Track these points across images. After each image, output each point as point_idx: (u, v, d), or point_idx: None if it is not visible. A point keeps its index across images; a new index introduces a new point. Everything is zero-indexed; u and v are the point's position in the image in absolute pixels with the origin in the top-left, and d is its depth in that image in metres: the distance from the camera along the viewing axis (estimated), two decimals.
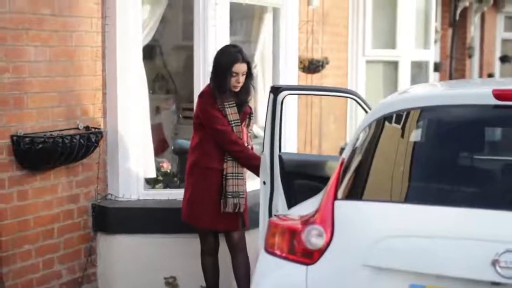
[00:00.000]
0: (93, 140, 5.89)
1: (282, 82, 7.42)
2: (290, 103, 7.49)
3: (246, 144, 5.64)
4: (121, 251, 6.23)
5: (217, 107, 5.55)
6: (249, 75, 5.67)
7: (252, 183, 5.87)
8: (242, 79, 5.59)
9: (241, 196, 5.58)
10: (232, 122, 5.58)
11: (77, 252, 6.12)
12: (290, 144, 7.53)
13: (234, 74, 5.54)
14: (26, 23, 5.46)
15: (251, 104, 5.92)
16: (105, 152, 6.26)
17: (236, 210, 5.56)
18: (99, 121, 6.16)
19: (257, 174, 5.29)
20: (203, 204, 5.62)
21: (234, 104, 5.60)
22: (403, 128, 3.69)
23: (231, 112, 5.58)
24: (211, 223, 5.68)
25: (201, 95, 5.70)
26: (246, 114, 5.73)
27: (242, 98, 5.67)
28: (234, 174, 5.57)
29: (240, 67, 5.56)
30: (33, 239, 5.70)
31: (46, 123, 5.68)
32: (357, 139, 3.72)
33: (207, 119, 5.57)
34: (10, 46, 5.37)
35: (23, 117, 5.50)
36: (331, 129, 9.27)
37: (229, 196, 5.56)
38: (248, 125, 5.75)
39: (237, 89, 5.60)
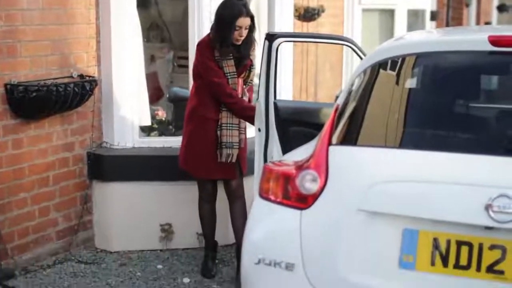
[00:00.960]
0: (88, 88, 5.87)
1: (276, 29, 7.37)
2: (286, 51, 7.45)
3: (241, 96, 5.61)
4: (117, 199, 6.25)
5: (214, 59, 5.50)
6: (252, 28, 5.57)
7: (249, 130, 5.86)
8: (245, 33, 5.49)
9: (234, 146, 5.58)
10: (228, 74, 5.53)
11: (72, 200, 6.15)
12: (286, 92, 7.50)
13: (237, 28, 5.44)
14: None
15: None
16: (99, 100, 6.25)
17: (229, 161, 5.58)
18: (93, 70, 6.14)
19: (253, 123, 5.29)
20: (199, 153, 5.63)
21: (232, 57, 5.53)
22: (398, 74, 3.67)
23: (228, 65, 5.52)
24: (207, 172, 5.70)
25: (199, 44, 5.64)
26: (246, 67, 5.66)
27: (243, 51, 5.59)
28: (228, 125, 5.56)
29: (244, 21, 5.45)
30: (29, 187, 5.72)
31: (40, 72, 5.67)
32: (352, 85, 3.71)
33: (204, 70, 5.54)
34: None
35: (17, 65, 5.49)
36: (327, 77, 9.24)
37: (223, 146, 5.57)
38: (247, 77, 5.70)
39: (239, 43, 5.52)
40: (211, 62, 5.51)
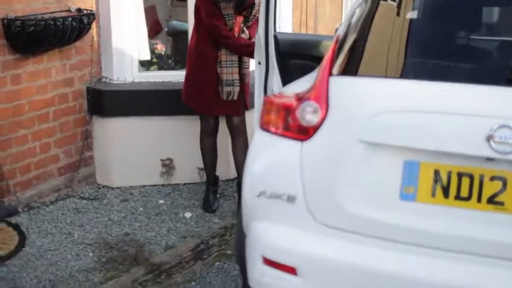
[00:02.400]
0: (86, 22, 5.82)
1: None
2: None
3: (238, 35, 5.63)
4: (117, 134, 6.25)
5: (212, 0, 5.51)
6: None
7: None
8: None
9: (235, 84, 5.59)
10: (226, 16, 5.54)
11: (73, 135, 6.15)
12: (285, 25, 7.44)
13: None
14: None
15: None
16: (98, 34, 6.20)
17: (230, 98, 5.55)
18: (91, 3, 6.08)
19: (253, 58, 5.26)
20: (201, 90, 5.64)
21: None
22: (399, 4, 3.62)
23: (226, 6, 5.53)
24: (208, 108, 5.69)
25: None
26: (248, 6, 5.66)
27: None
28: (228, 62, 5.56)
29: None
30: (29, 124, 5.72)
31: (37, 6, 5.61)
32: (353, 16, 3.65)
33: (202, 11, 5.54)
34: None
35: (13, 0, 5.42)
36: (327, 10, 9.14)
37: (224, 84, 5.56)
38: (249, 14, 5.68)
39: None
40: (209, 3, 5.51)
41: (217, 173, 6.02)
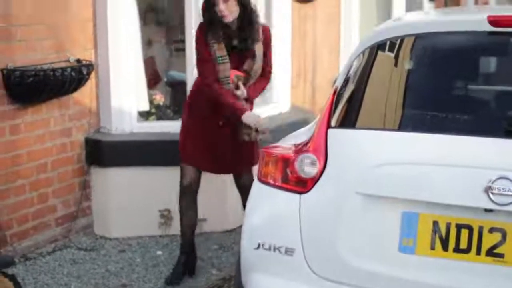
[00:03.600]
0: (84, 72, 5.85)
1: (274, 12, 7.35)
2: (284, 35, 7.44)
3: (235, 86, 5.08)
4: (115, 185, 6.23)
5: (205, 42, 5.06)
6: (244, 5, 5.02)
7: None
8: (224, 6, 4.91)
9: None
10: (218, 59, 5.03)
11: (71, 186, 6.13)
12: (285, 77, 7.48)
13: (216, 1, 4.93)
14: None
15: None
16: (96, 85, 6.22)
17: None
18: (90, 54, 6.11)
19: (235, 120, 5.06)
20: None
21: (222, 39, 5.04)
22: (396, 56, 3.65)
23: (218, 48, 5.04)
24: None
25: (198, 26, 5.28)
26: (249, 55, 5.12)
27: (239, 34, 5.08)
28: None
29: None
30: (27, 174, 5.70)
31: (37, 56, 5.63)
32: (350, 67, 3.68)
33: (196, 54, 5.22)
34: None
35: (13, 50, 5.44)
36: (325, 60, 9.19)
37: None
38: (249, 69, 5.15)
39: (227, 19, 4.96)
40: (200, 45, 5.10)
41: (214, 223, 5.96)
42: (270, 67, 5.32)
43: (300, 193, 3.29)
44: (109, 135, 6.26)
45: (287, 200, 3.32)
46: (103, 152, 6.16)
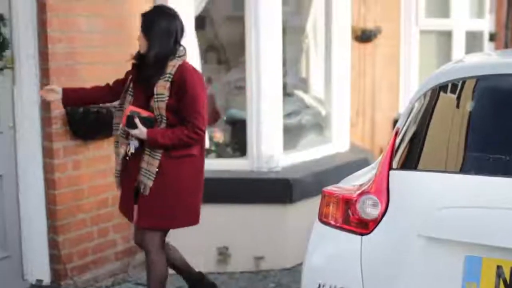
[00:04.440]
0: None
1: (334, 52, 7.37)
2: (343, 73, 7.45)
3: (122, 125, 4.64)
4: None
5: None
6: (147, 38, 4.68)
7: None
8: (138, 36, 4.73)
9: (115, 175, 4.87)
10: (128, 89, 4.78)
11: None
12: (343, 116, 7.48)
13: None
14: None
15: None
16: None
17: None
18: None
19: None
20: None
21: (133, 69, 4.80)
22: (458, 98, 3.63)
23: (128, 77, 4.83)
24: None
25: None
26: (151, 88, 4.61)
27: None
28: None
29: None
30: (88, 208, 5.78)
31: None
32: (412, 109, 3.67)
33: None
34: (62, 16, 5.42)
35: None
36: (384, 97, 9.18)
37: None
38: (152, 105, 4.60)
39: (140, 50, 4.73)
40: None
41: (272, 261, 5.94)
42: (191, 116, 4.57)
43: (362, 234, 3.28)
44: None
45: (348, 241, 3.31)
46: None
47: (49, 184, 5.52)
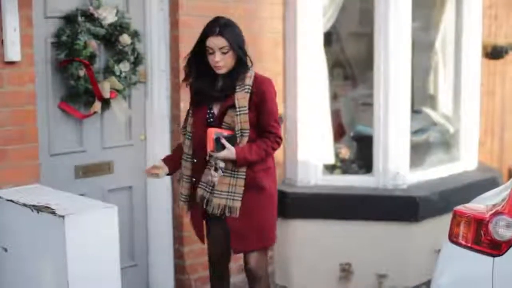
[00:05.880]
0: None
1: (464, 68, 7.23)
2: (473, 91, 7.30)
3: (210, 149, 4.29)
4: (298, 236, 6.28)
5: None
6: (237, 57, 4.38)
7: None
8: (220, 57, 4.30)
9: (182, 199, 4.61)
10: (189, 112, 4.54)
11: None
12: (472, 134, 7.32)
13: (210, 51, 4.34)
14: (205, 10, 5.54)
15: None
16: (284, 137, 6.32)
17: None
18: (279, 106, 6.22)
19: None
20: None
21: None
22: None
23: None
24: None
25: None
26: (225, 104, 4.35)
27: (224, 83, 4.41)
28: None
29: (215, 41, 4.33)
30: None
31: None
32: None
33: None
34: (193, 32, 5.52)
35: None
36: None
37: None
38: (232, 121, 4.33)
39: (220, 70, 4.35)
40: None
41: (395, 279, 5.87)
42: (271, 126, 4.42)
43: (494, 255, 3.20)
44: (294, 187, 6.34)
45: (479, 262, 3.24)
46: (287, 203, 6.22)
47: (176, 196, 5.62)
